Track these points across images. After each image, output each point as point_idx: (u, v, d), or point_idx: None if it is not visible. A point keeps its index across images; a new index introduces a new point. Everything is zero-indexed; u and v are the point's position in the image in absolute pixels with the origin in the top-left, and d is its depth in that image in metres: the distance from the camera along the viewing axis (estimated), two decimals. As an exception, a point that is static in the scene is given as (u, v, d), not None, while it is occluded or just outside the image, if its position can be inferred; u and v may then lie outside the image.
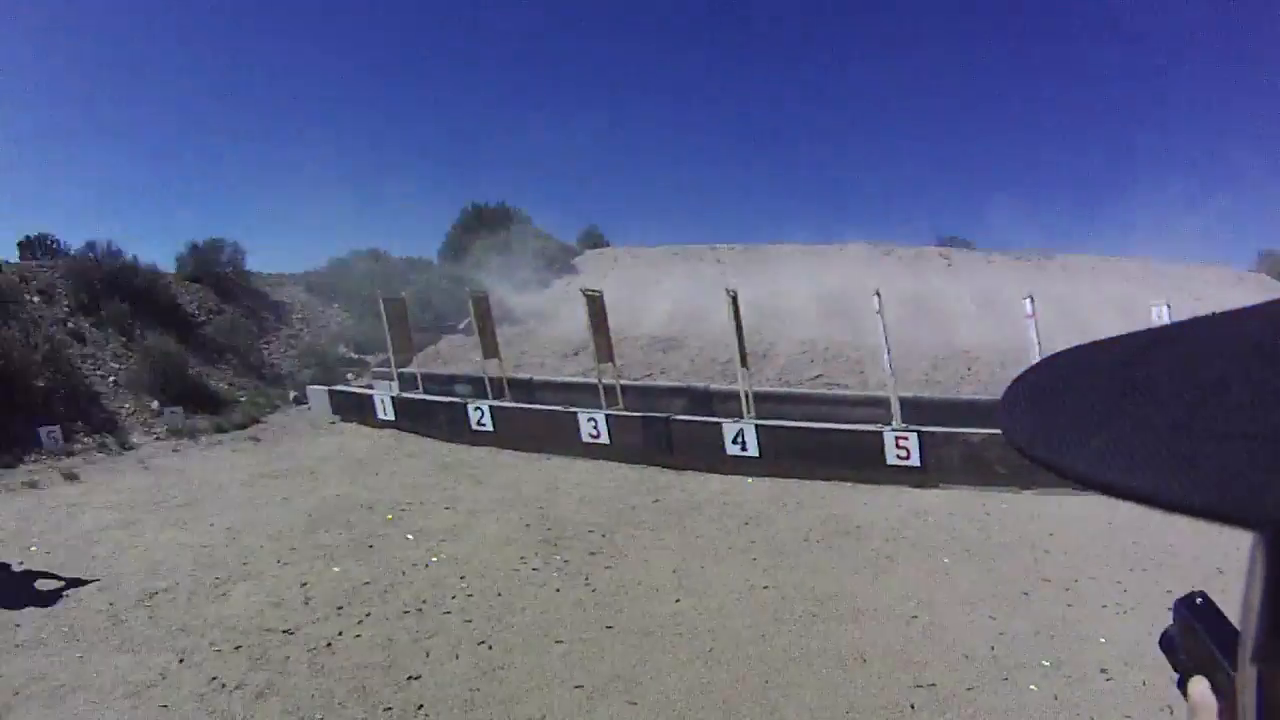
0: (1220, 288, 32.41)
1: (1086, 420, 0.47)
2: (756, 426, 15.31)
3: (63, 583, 8.89)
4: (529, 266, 32.75)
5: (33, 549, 10.36)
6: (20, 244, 30.36)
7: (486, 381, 19.02)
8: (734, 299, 16.65)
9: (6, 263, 22.88)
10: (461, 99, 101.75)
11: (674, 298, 28.73)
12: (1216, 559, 10.34)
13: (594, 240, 41.36)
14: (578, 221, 71.64)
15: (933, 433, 14.66)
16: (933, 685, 6.94)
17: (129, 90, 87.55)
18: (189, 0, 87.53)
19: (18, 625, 7.92)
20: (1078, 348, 0.59)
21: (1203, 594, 1.08)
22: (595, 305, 17.85)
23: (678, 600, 8.73)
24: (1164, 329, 0.53)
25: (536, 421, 17.44)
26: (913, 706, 6.58)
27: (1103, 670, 7.16)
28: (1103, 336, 0.58)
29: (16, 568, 9.58)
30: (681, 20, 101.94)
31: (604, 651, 7.43)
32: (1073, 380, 0.53)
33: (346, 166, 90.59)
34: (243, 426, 19.20)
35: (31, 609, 8.29)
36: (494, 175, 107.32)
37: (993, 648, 7.68)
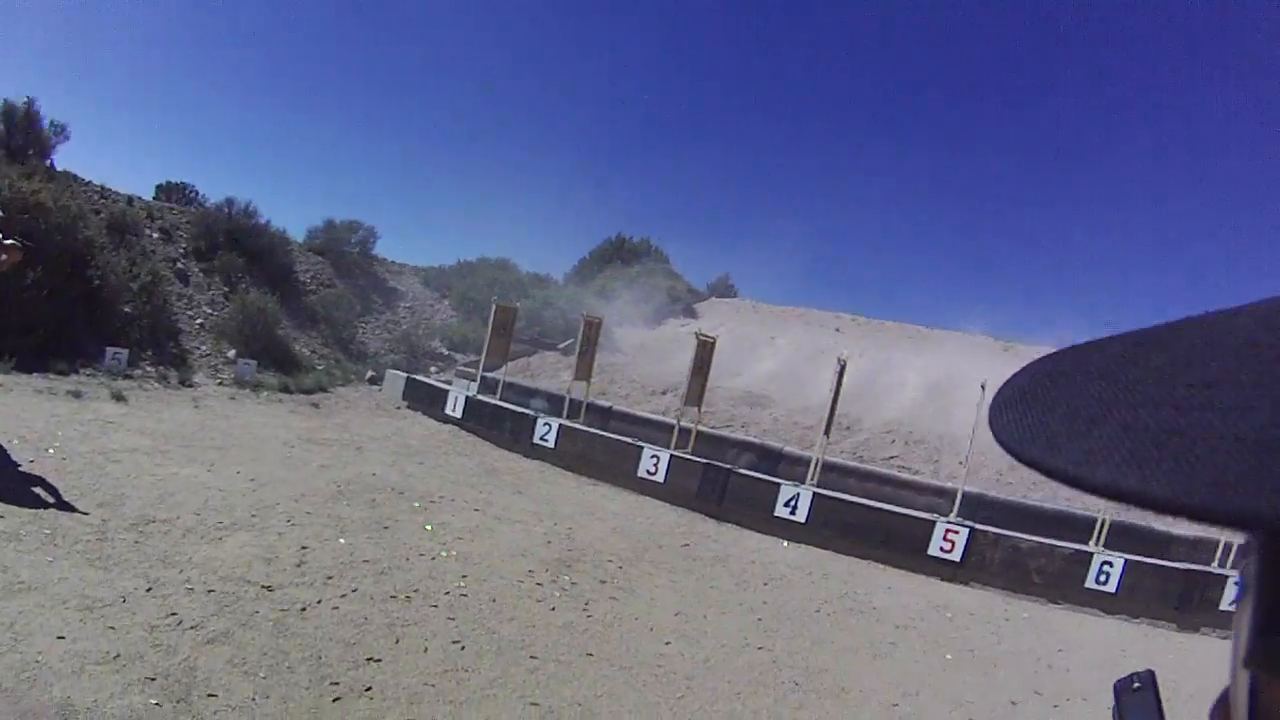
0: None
1: (1077, 421, 0.46)
2: (813, 494, 15.14)
3: (53, 500, 8.74)
4: (651, 303, 32.86)
5: (50, 451, 10.32)
6: (158, 186, 32.08)
7: (567, 401, 18.99)
8: (842, 368, 16.75)
9: (139, 198, 23.66)
10: (620, 129, 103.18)
11: (782, 357, 28.48)
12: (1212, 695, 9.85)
13: (723, 289, 41.41)
14: (714, 269, 71.92)
15: (984, 531, 14.59)
16: (894, 773, 6.35)
17: (303, 73, 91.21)
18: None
19: (1, 516, 7.84)
20: (1068, 349, 0.56)
21: (1141, 676, 1.17)
22: (704, 350, 18.07)
23: (668, 643, 8.51)
24: (1155, 330, 0.52)
25: (598, 447, 17.37)
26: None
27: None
28: (1105, 337, 0.56)
29: (25, 465, 9.52)
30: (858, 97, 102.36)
31: (574, 676, 7.21)
32: (1064, 381, 0.51)
33: (497, 173, 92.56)
34: (309, 391, 19.41)
35: (20, 506, 8.20)
36: (641, 211, 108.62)
37: None
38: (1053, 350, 0.59)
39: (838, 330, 32.42)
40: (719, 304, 37.20)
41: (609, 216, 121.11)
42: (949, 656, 10.05)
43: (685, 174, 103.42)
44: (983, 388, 15.43)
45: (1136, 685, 1.19)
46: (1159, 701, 1.18)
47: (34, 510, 8.22)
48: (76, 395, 13.79)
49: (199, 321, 20.21)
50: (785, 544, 14.56)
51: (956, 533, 14.42)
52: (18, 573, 6.72)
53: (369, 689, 6.11)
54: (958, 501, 15.44)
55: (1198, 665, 12.53)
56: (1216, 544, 16.43)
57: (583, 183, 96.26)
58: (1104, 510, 15.59)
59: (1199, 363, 0.44)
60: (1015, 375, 0.58)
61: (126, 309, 18.03)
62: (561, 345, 27.51)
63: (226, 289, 22.16)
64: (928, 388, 26.47)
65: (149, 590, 6.99)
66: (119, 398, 14.34)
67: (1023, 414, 0.50)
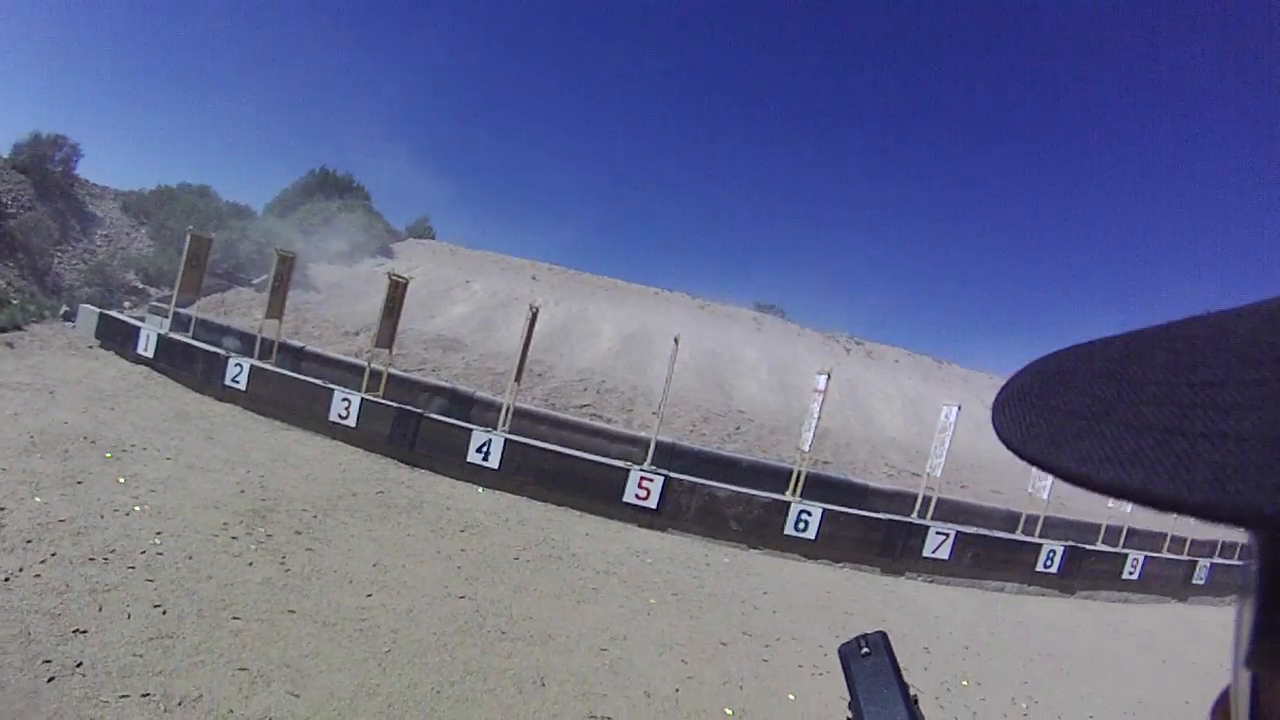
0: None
1: (1080, 419, 0.47)
2: (505, 440, 15.60)
3: None
4: (349, 240, 32.38)
5: None
6: None
7: (258, 341, 18.77)
8: (533, 315, 17.15)
9: None
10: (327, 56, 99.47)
11: (476, 302, 28.85)
12: (927, 639, 10.96)
13: (421, 231, 41.43)
14: (414, 211, 70.85)
15: (679, 479, 15.32)
16: (608, 718, 7.17)
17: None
18: None
19: None
20: (1071, 347, 0.59)
21: (869, 639, 1.25)
22: (395, 290, 18.04)
23: (369, 595, 8.74)
24: (1158, 329, 0.53)
25: (289, 389, 17.35)
26: (583, 737, 6.70)
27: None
28: (1108, 336, 0.58)
29: None
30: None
31: (279, 636, 7.34)
32: (1066, 379, 0.53)
33: (203, 89, 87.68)
34: (2, 330, 18.38)
35: None
36: (349, 147, 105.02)
37: (677, 689, 8.07)
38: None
39: (534, 278, 33.09)
40: (416, 245, 37.24)
41: (314, 148, 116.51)
42: (653, 601, 10.67)
43: (389, 106, 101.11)
44: (675, 341, 16.28)
45: (865, 650, 1.23)
46: (895, 663, 1.22)
47: None
48: None
49: None
50: (480, 490, 15.03)
51: (651, 480, 15.17)
52: None
53: (80, 665, 6.09)
54: (651, 450, 16.26)
55: (901, 605, 13.87)
56: (915, 496, 18.38)
57: (288, 108, 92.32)
58: (799, 463, 16.85)
59: (1202, 362, 0.45)
60: (1018, 373, 0.59)
61: None
62: (256, 281, 27.01)
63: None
64: (623, 339, 27.37)
65: None
66: None
67: (1025, 412, 0.52)
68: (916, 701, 1.18)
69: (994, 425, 0.54)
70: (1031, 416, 0.51)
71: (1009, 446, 0.51)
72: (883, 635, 1.24)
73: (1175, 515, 0.39)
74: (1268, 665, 0.44)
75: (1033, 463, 0.48)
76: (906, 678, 1.22)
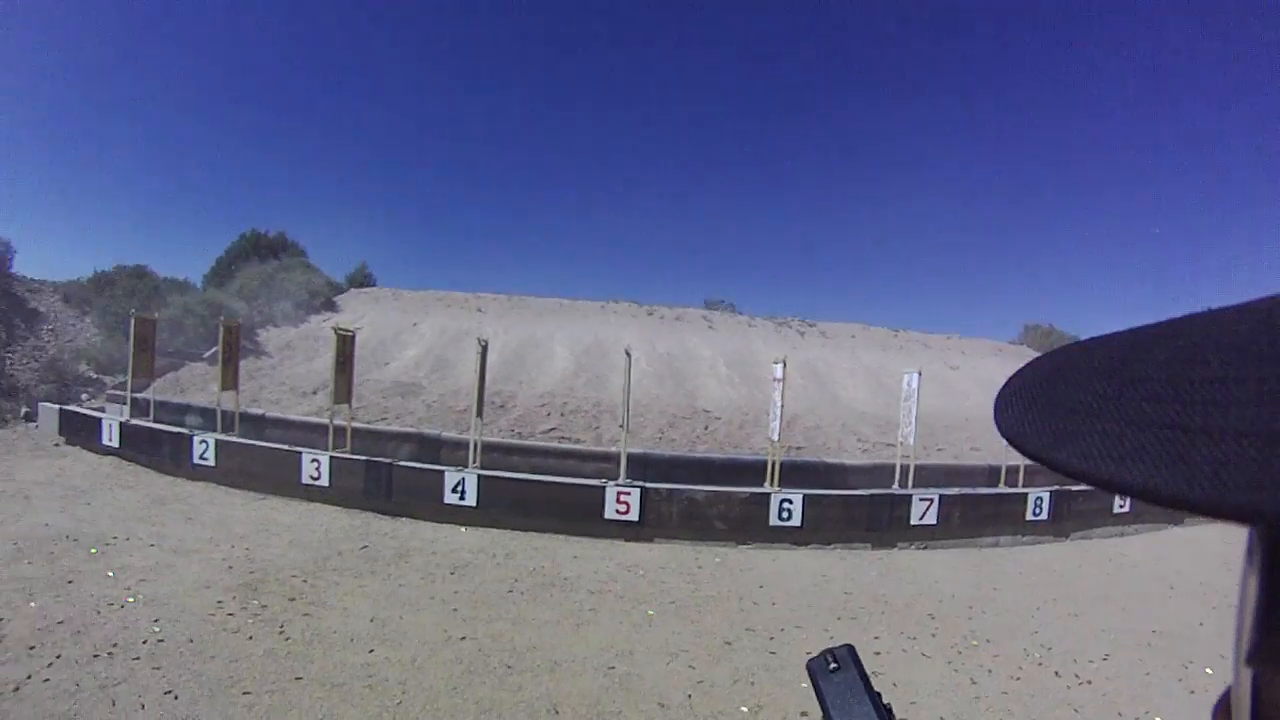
0: (976, 357, 34.83)
1: (1081, 416, 0.47)
2: (478, 476, 15.67)
3: None
4: (291, 300, 32.31)
5: None
6: None
7: (219, 414, 18.85)
8: (484, 349, 17.15)
9: None
10: (245, 115, 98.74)
11: (426, 343, 28.79)
12: (929, 605, 11.16)
13: (361, 279, 41.09)
14: (351, 259, 70.45)
15: (656, 488, 15.39)
16: (627, 734, 7.27)
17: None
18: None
19: None
20: (1073, 345, 0.59)
21: (837, 654, 1.22)
22: (344, 345, 17.93)
23: (371, 650, 8.81)
24: (1159, 326, 0.53)
25: (258, 459, 17.34)
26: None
27: (803, 714, 7.67)
28: (1108, 333, 0.58)
29: None
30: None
31: (291, 704, 7.38)
32: (1067, 376, 0.53)
33: (129, 171, 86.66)
34: (-34, 441, 18.18)
35: None
36: (279, 203, 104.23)
37: (689, 695, 8.12)
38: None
39: (480, 310, 33.03)
40: (359, 294, 37.11)
41: (244, 210, 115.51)
42: (651, 612, 10.74)
43: (316, 162, 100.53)
44: (628, 354, 16.48)
45: (834, 665, 1.21)
46: (864, 676, 1.21)
47: None
48: None
49: None
50: (463, 529, 15.10)
51: (629, 493, 15.24)
52: None
53: (103, 764, 6.00)
54: (623, 463, 16.29)
55: (898, 576, 13.96)
56: (893, 467, 18.64)
57: (214, 174, 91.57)
58: (771, 453, 17.05)
59: (1202, 358, 0.45)
60: (1020, 371, 0.59)
61: None
62: (207, 354, 26.85)
63: None
64: (577, 358, 27.42)
65: None
66: None
67: (1027, 409, 0.52)
68: (890, 711, 1.19)
69: (996, 422, 0.55)
70: (1033, 413, 0.52)
71: (1011, 443, 0.52)
72: (850, 649, 1.23)
73: (1178, 512, 0.42)
74: (1269, 663, 0.45)
75: (1034, 458, 0.49)
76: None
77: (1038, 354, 0.81)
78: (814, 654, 1.23)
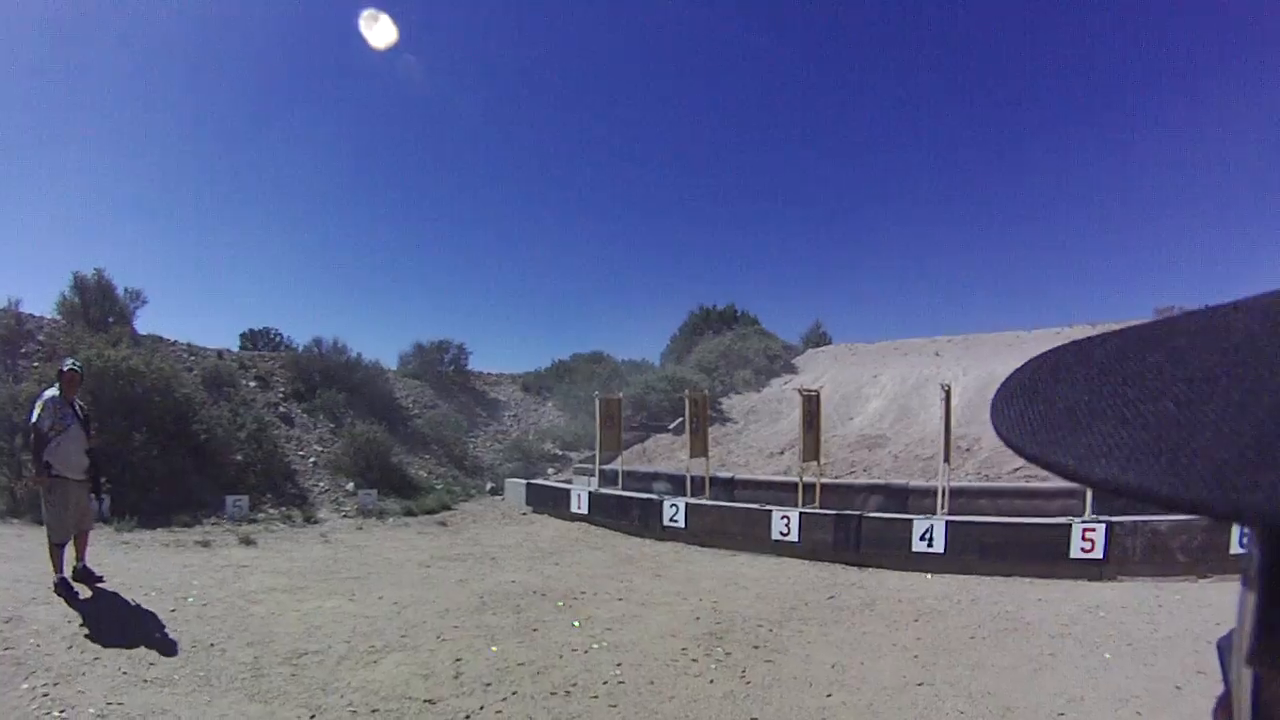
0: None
1: (1078, 416, 0.46)
2: (946, 523, 14.98)
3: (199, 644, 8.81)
4: (750, 367, 32.93)
5: (189, 600, 10.52)
6: (243, 335, 34.48)
7: (687, 479, 19.07)
8: (947, 394, 16.66)
9: (228, 350, 24.87)
10: (688, 204, 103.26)
11: (888, 394, 28.27)
12: None
13: (817, 339, 40.84)
14: (804, 320, 71.44)
15: (1120, 522, 14.20)
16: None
17: (366, 200, 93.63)
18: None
19: (151, 664, 8.01)
20: (1070, 344, 0.57)
21: None
22: (810, 404, 17.96)
23: (829, 695, 8.38)
24: (1155, 325, 0.52)
25: (728, 518, 17.29)
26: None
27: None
28: (1096, 333, 0.56)
29: (165, 615, 9.67)
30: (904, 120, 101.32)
31: None
32: (1065, 376, 0.51)
33: (575, 274, 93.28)
34: (432, 512, 19.66)
35: (166, 655, 8.36)
36: (722, 279, 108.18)
37: None
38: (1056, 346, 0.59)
39: (937, 354, 31.97)
40: (817, 354, 36.99)
41: (690, 290, 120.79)
42: (1108, 656, 9.78)
43: (761, 231, 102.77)
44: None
45: None
46: None
47: (183, 655, 8.36)
48: (205, 544, 14.17)
49: (311, 460, 20.74)
50: (929, 577, 14.32)
51: (1094, 530, 14.12)
52: (178, 714, 6.83)
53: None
54: (1089, 499, 15.04)
55: None
56: None
57: (660, 261, 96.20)
58: None
59: (1198, 357, 0.44)
60: (1017, 370, 0.58)
61: (238, 457, 18.65)
62: (672, 425, 27.62)
63: (333, 425, 22.80)
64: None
65: (313, 718, 7.09)
66: (247, 542, 14.69)
67: (1024, 409, 0.51)
68: None
69: (993, 423, 0.53)
70: (1030, 413, 0.50)
71: (1008, 444, 0.50)
72: None
73: (1172, 511, 0.39)
74: (1269, 663, 0.45)
75: (1031, 459, 0.47)
76: None
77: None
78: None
